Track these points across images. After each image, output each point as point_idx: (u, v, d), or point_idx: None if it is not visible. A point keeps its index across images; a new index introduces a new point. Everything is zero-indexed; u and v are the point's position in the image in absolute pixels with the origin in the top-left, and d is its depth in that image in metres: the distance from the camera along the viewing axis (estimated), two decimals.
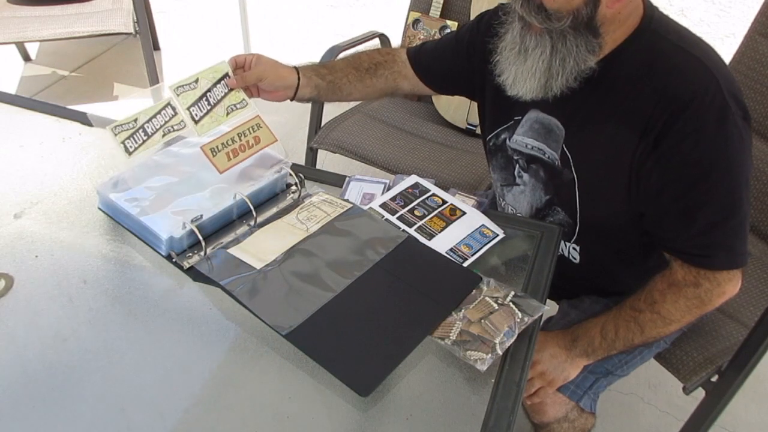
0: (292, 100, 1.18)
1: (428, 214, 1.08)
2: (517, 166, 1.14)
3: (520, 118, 1.10)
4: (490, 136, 1.18)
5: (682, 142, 0.91)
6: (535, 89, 0.97)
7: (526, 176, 1.13)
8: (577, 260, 1.16)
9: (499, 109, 1.14)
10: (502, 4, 1.06)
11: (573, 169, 1.04)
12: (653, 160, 0.94)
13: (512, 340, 0.86)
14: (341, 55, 1.90)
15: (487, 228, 1.06)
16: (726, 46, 3.42)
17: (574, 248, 1.14)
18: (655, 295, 1.02)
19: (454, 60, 1.21)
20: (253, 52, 1.15)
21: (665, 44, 0.94)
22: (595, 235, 1.10)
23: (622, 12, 0.91)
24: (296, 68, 1.17)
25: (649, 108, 0.92)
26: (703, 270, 0.97)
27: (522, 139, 1.10)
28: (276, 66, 1.14)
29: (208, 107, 1.06)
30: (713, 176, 0.92)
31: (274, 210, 1.08)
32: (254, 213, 1.02)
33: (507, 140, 1.14)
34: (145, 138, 1.02)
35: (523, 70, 0.96)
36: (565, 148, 1.04)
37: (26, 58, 3.15)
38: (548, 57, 0.93)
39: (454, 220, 1.07)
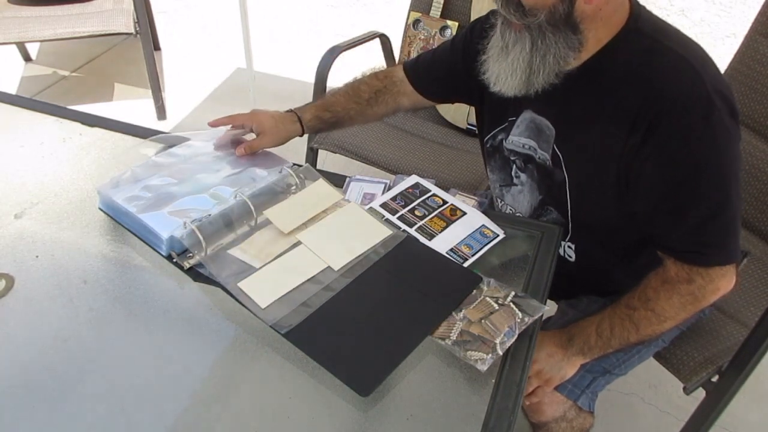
0: None
1: (429, 214, 1.08)
2: (514, 166, 1.14)
3: (514, 119, 1.10)
4: (487, 138, 1.19)
5: (669, 141, 0.91)
6: (517, 86, 0.97)
7: (523, 176, 1.13)
8: (573, 258, 1.16)
9: (495, 111, 1.14)
10: (493, 10, 1.06)
11: (564, 168, 1.04)
12: (641, 160, 0.94)
13: (512, 341, 0.86)
14: (340, 56, 1.91)
15: (488, 228, 1.06)
16: (726, 46, 3.42)
17: (569, 246, 1.14)
18: (648, 292, 1.02)
19: (452, 68, 1.22)
20: (251, 112, 1.21)
21: (651, 43, 0.93)
22: (588, 233, 1.10)
23: (604, 9, 0.91)
24: (299, 118, 1.23)
25: (635, 107, 0.92)
26: (695, 266, 0.97)
27: (518, 140, 1.11)
28: (278, 131, 1.20)
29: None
30: (701, 175, 0.91)
31: None
32: (254, 213, 1.03)
33: (503, 141, 1.14)
34: None
35: (504, 67, 0.97)
36: (555, 148, 1.04)
37: (27, 58, 3.15)
38: (528, 54, 0.94)
39: (455, 221, 1.07)
